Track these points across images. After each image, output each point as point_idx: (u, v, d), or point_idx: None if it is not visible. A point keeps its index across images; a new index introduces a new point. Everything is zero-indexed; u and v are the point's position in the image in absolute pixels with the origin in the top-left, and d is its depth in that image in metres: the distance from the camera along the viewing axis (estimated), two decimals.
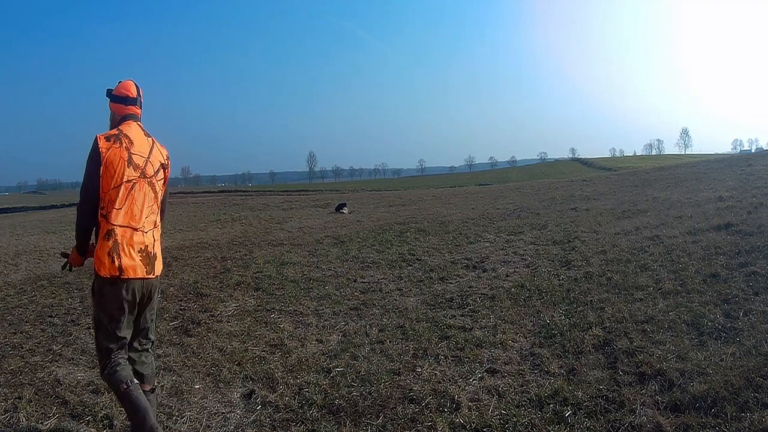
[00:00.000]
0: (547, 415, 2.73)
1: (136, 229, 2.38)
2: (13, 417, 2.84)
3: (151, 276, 2.42)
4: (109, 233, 2.33)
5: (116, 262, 2.31)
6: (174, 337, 4.25)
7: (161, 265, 2.56)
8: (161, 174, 2.57)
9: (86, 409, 2.95)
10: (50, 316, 4.78)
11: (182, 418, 2.93)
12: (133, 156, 2.40)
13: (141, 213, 2.42)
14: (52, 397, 3.12)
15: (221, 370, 3.54)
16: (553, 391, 2.97)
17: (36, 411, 2.93)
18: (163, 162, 2.58)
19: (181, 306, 5.14)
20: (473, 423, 2.72)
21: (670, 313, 3.84)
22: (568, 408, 2.77)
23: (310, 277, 6.26)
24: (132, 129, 2.46)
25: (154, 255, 2.46)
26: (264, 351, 3.92)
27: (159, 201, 2.57)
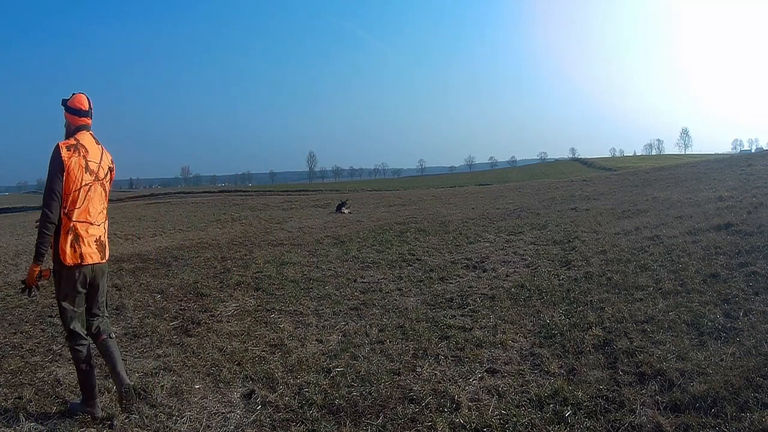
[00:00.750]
0: (547, 415, 2.73)
1: (91, 224, 2.87)
2: (13, 417, 2.85)
3: (102, 261, 2.94)
4: (71, 228, 2.78)
5: (77, 251, 2.79)
6: (174, 337, 4.25)
7: (108, 251, 3.04)
8: (109, 176, 3.03)
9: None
10: (50, 316, 4.77)
11: (182, 418, 2.93)
12: (89, 163, 2.86)
13: (96, 210, 2.90)
14: (52, 397, 3.12)
15: (221, 370, 3.54)
16: (553, 391, 2.97)
17: (36, 411, 2.93)
18: (110, 165, 3.03)
19: (181, 306, 5.14)
20: (473, 423, 2.72)
21: (670, 313, 3.84)
22: (568, 408, 2.77)
23: (310, 277, 6.26)
24: (86, 138, 2.90)
25: (104, 243, 2.97)
26: (264, 351, 3.92)
27: (107, 198, 3.04)
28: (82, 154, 2.82)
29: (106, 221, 3.04)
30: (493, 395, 3.04)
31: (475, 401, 2.97)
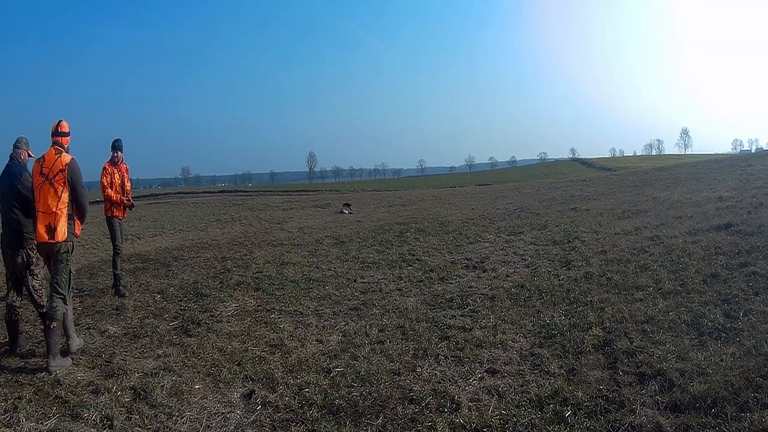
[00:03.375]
0: (547, 415, 2.73)
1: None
2: (13, 417, 2.84)
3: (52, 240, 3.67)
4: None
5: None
6: (174, 337, 4.25)
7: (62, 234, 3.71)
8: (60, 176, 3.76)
9: (86, 409, 2.94)
10: None
11: (182, 418, 2.93)
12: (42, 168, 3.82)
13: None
14: (52, 397, 3.12)
15: (221, 370, 3.54)
16: (553, 391, 2.97)
17: (36, 411, 2.93)
18: (61, 168, 3.75)
19: (181, 306, 5.14)
20: (473, 423, 2.72)
21: (670, 313, 3.84)
22: (568, 408, 2.77)
23: (310, 277, 6.27)
24: (49, 151, 3.83)
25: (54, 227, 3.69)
26: (264, 351, 3.92)
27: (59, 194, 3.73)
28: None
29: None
30: (493, 395, 3.04)
31: (475, 401, 2.97)
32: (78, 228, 3.95)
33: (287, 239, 9.48)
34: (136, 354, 3.87)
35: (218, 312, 4.90)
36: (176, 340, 4.16)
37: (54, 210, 3.67)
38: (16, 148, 4.00)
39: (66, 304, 3.76)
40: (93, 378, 3.38)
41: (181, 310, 5.01)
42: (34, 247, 3.85)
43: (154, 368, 3.56)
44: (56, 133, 3.89)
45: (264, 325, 4.54)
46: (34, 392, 3.16)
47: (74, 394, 3.14)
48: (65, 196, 3.74)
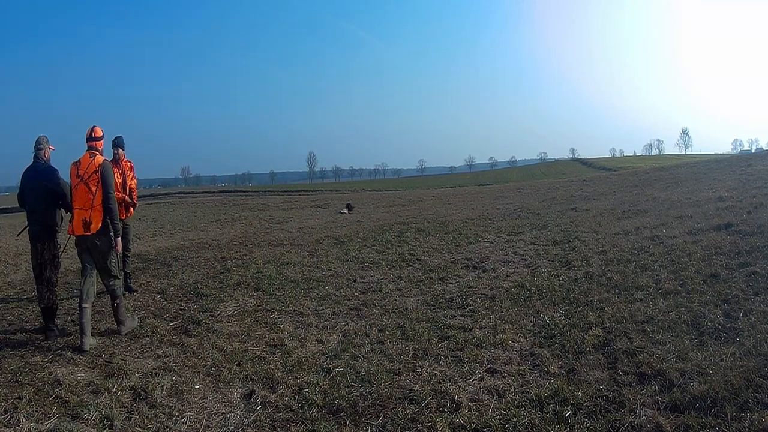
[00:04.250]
0: (547, 415, 2.73)
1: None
2: (13, 417, 2.84)
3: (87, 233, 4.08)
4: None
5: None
6: (174, 337, 4.25)
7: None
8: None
9: (86, 409, 2.94)
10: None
11: (182, 418, 2.93)
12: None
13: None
14: (52, 397, 3.11)
15: (221, 370, 3.54)
16: (553, 391, 2.97)
17: (36, 411, 2.93)
18: (95, 169, 4.12)
19: (181, 306, 5.14)
20: (473, 423, 2.72)
21: (670, 313, 3.84)
22: (568, 408, 2.77)
23: (310, 277, 6.26)
24: (84, 156, 4.20)
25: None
26: (264, 351, 3.92)
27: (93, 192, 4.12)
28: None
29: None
30: (493, 395, 3.04)
31: (475, 401, 2.97)
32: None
33: (287, 239, 9.48)
34: (136, 354, 3.87)
35: (218, 312, 4.90)
36: (176, 340, 4.16)
37: (89, 206, 4.07)
38: (38, 149, 4.36)
39: (118, 284, 4.30)
40: (93, 378, 3.38)
41: (181, 310, 5.01)
42: (58, 240, 4.35)
43: (154, 368, 3.56)
44: (90, 138, 4.26)
45: (264, 325, 4.54)
46: (34, 392, 3.16)
47: (74, 394, 3.14)
48: (99, 194, 4.12)
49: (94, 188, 4.09)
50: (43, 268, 4.28)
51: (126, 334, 4.24)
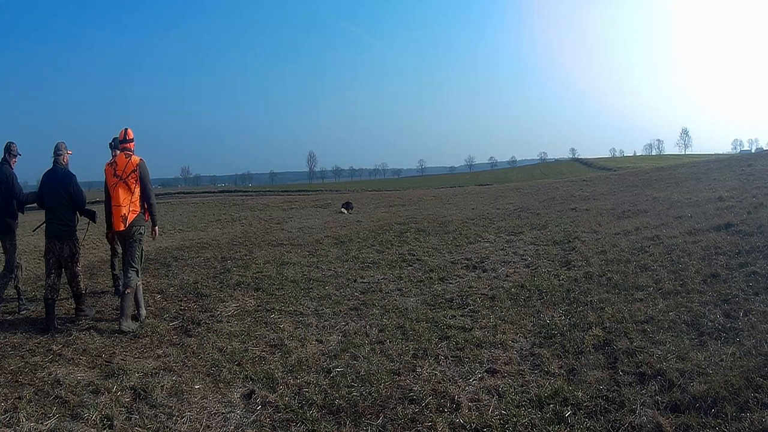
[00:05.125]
0: (547, 415, 2.73)
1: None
2: (13, 417, 2.84)
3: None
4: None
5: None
6: (174, 337, 4.25)
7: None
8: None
9: (86, 409, 2.94)
10: None
11: (182, 418, 2.93)
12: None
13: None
14: (52, 397, 3.11)
15: (221, 370, 3.54)
16: (553, 391, 2.97)
17: (36, 411, 2.93)
18: (133, 168, 4.46)
19: (181, 306, 5.14)
20: (473, 423, 2.72)
21: (670, 313, 3.84)
22: (568, 408, 2.77)
23: (310, 277, 6.27)
24: (119, 156, 4.54)
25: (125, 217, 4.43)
26: (264, 351, 3.92)
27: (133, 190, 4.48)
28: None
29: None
30: (493, 395, 3.04)
31: (475, 401, 2.97)
32: (147, 215, 4.63)
33: (287, 239, 9.48)
34: (136, 354, 3.87)
35: (218, 312, 4.90)
36: (176, 340, 4.16)
37: (128, 203, 4.40)
38: (58, 155, 4.57)
39: (138, 276, 4.54)
40: (93, 378, 3.38)
41: (181, 310, 5.01)
42: (78, 239, 4.63)
43: (154, 368, 3.56)
44: (124, 140, 4.56)
45: (264, 325, 4.54)
46: (34, 392, 3.16)
47: (74, 394, 3.14)
48: (137, 192, 4.46)
49: (132, 186, 4.43)
50: (64, 265, 4.56)
51: (126, 334, 4.21)
